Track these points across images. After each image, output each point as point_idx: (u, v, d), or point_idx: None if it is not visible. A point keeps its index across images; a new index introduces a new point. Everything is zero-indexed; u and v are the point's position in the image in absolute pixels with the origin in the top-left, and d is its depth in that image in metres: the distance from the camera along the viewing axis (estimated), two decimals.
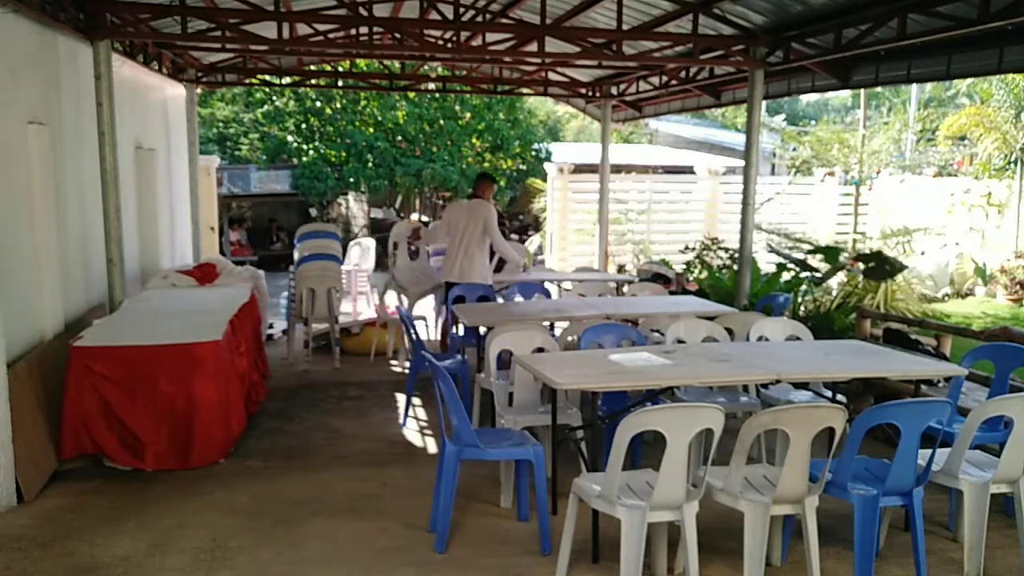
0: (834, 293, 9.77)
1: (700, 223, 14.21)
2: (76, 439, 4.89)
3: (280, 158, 17.43)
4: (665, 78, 9.50)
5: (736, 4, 6.70)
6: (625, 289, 8.51)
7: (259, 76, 11.75)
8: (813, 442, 3.45)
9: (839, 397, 5.26)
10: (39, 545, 4.06)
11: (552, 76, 11.02)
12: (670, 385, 4.61)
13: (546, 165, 15.06)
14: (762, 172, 18.06)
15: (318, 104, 16.90)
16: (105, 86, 5.94)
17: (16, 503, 4.48)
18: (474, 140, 17.34)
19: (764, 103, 9.08)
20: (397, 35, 8.10)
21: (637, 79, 10.05)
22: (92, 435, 4.92)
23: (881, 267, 8.56)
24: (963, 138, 17.59)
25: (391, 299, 9.20)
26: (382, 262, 13.37)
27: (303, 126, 17.04)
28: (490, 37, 8.34)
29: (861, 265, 9.20)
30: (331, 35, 8.92)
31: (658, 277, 9.96)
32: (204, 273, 7.72)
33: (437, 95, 16.23)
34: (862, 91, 15.73)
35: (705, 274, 10.66)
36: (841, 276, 10.24)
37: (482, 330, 5.71)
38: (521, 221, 18.52)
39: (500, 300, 7.62)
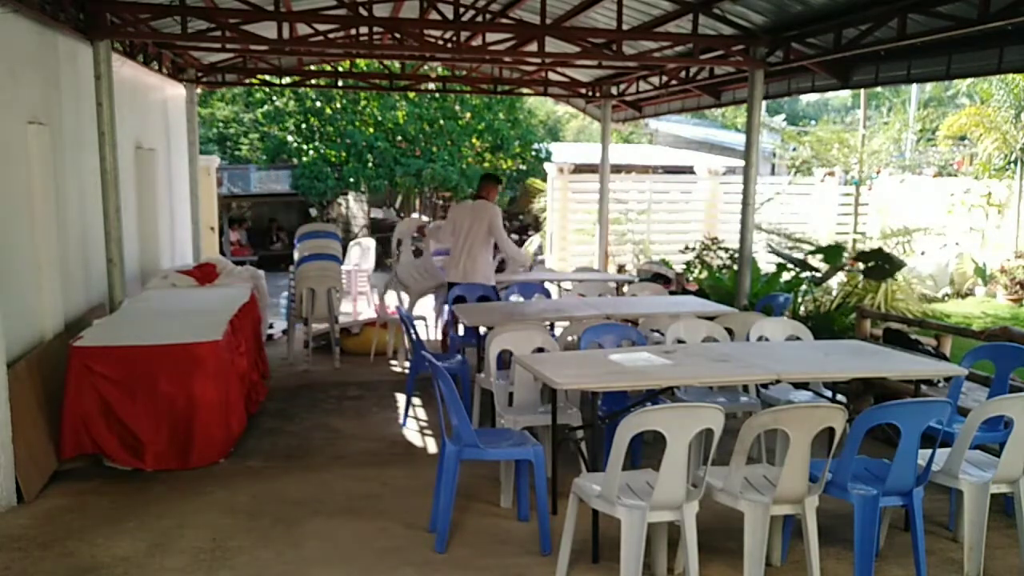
0: (834, 293, 9.77)
1: (700, 223, 14.21)
2: (76, 439, 4.89)
3: (280, 158, 17.44)
4: (665, 78, 9.50)
5: (736, 4, 6.70)
6: (625, 289, 8.51)
7: (259, 76, 11.75)
8: (813, 442, 3.45)
9: (839, 397, 5.26)
10: (39, 545, 4.06)
11: (552, 76, 11.02)
12: (670, 385, 4.61)
13: (546, 165, 15.06)
14: (762, 172, 18.06)
15: (318, 104, 16.90)
16: (105, 86, 5.94)
17: (16, 503, 4.48)
18: (474, 140, 17.34)
19: (764, 103, 9.08)
20: (397, 35, 8.10)
21: (637, 79, 10.04)
22: (92, 435, 4.92)
23: (881, 266, 8.56)
24: (963, 138, 17.60)
25: (391, 299, 9.20)
26: (382, 262, 13.38)
27: (303, 126, 17.04)
28: (490, 37, 8.34)
29: (861, 265, 9.20)
30: (331, 35, 8.92)
31: (658, 277, 9.95)
32: (204, 273, 7.72)
33: (437, 95, 16.23)
34: (862, 91, 15.73)
35: (705, 274, 10.66)
36: (841, 276, 10.24)
37: (482, 330, 5.71)
38: (521, 221, 18.53)
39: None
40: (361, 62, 13.39)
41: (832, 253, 9.02)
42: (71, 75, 6.06)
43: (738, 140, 20.64)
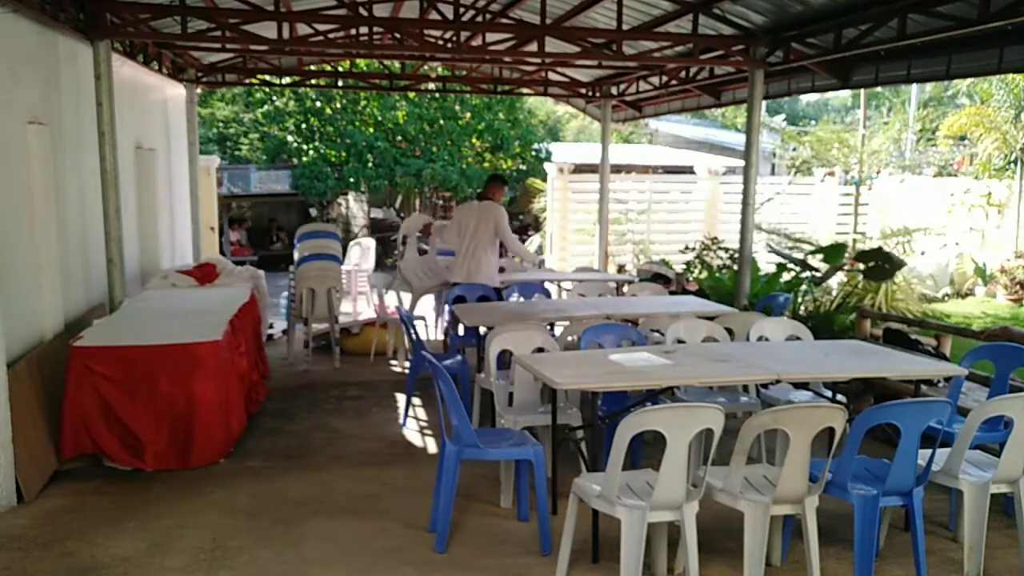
0: (834, 293, 9.77)
1: (700, 223, 14.21)
2: (76, 439, 4.89)
3: (280, 158, 17.44)
4: (665, 78, 9.50)
5: (736, 4, 6.70)
6: (625, 289, 8.51)
7: (259, 76, 11.75)
8: (813, 442, 3.45)
9: (839, 397, 5.26)
10: (39, 545, 4.06)
11: (552, 76, 11.02)
12: (670, 385, 4.61)
13: (546, 165, 15.06)
14: (762, 172, 18.07)
15: (318, 104, 16.91)
16: (105, 86, 5.94)
17: (16, 503, 4.48)
18: (474, 140, 17.34)
19: (764, 103, 9.08)
20: (397, 35, 8.10)
21: (637, 79, 10.05)
22: (92, 435, 4.92)
23: (881, 266, 8.56)
24: (963, 138, 17.61)
25: (391, 299, 9.20)
26: (382, 262, 13.38)
27: (303, 126, 17.04)
28: (490, 37, 8.34)
29: (861, 265, 9.20)
30: (331, 35, 8.92)
31: (658, 277, 9.95)
32: (204, 273, 7.72)
33: (437, 95, 16.24)
34: (862, 91, 15.74)
35: (705, 274, 10.66)
36: (841, 276, 10.24)
37: (482, 330, 5.71)
38: (521, 221, 18.52)
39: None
40: (361, 62, 13.39)
41: (833, 253, 9.01)
42: (71, 75, 6.06)
43: (738, 140, 20.64)
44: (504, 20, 8.43)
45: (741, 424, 3.51)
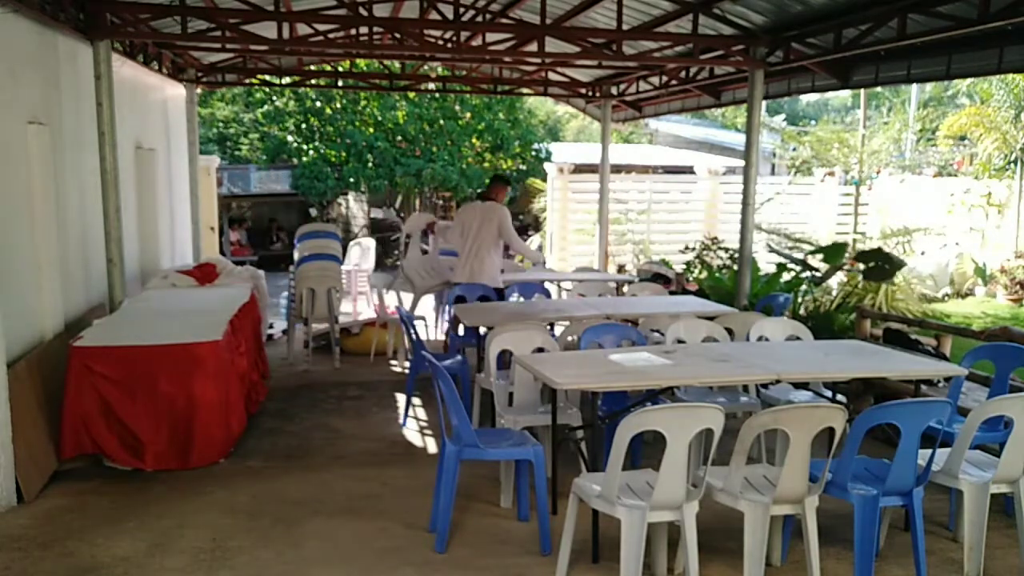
0: (834, 293, 9.77)
1: (700, 223, 14.21)
2: (76, 439, 4.89)
3: (280, 158, 17.44)
4: (665, 78, 9.50)
5: (736, 4, 6.70)
6: (625, 289, 8.51)
7: (259, 76, 11.75)
8: (813, 442, 3.45)
9: (839, 397, 5.26)
10: (39, 545, 4.06)
11: (552, 76, 11.02)
12: (670, 385, 4.61)
13: (546, 165, 15.06)
14: (762, 172, 18.07)
15: (318, 104, 16.90)
16: (105, 86, 5.94)
17: (16, 503, 4.48)
18: (474, 140, 17.34)
19: (764, 103, 9.08)
20: (397, 35, 8.10)
21: (637, 79, 10.05)
22: (92, 435, 4.92)
23: (881, 266, 8.56)
24: (963, 138, 17.61)
25: (391, 299, 9.20)
26: (382, 262, 13.38)
27: (303, 126, 17.04)
28: (490, 37, 8.34)
29: (861, 265, 9.20)
30: (331, 35, 8.92)
31: (658, 277, 9.95)
32: (204, 273, 7.72)
33: (437, 95, 16.23)
34: (862, 91, 15.75)
35: (705, 274, 10.66)
36: (841, 276, 10.24)
37: (482, 330, 5.71)
38: (521, 221, 18.52)
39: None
40: (361, 62, 13.39)
41: (833, 253, 9.01)
42: (71, 75, 6.06)
43: (738, 140, 20.64)
44: (504, 20, 8.43)
45: (741, 424, 3.51)
